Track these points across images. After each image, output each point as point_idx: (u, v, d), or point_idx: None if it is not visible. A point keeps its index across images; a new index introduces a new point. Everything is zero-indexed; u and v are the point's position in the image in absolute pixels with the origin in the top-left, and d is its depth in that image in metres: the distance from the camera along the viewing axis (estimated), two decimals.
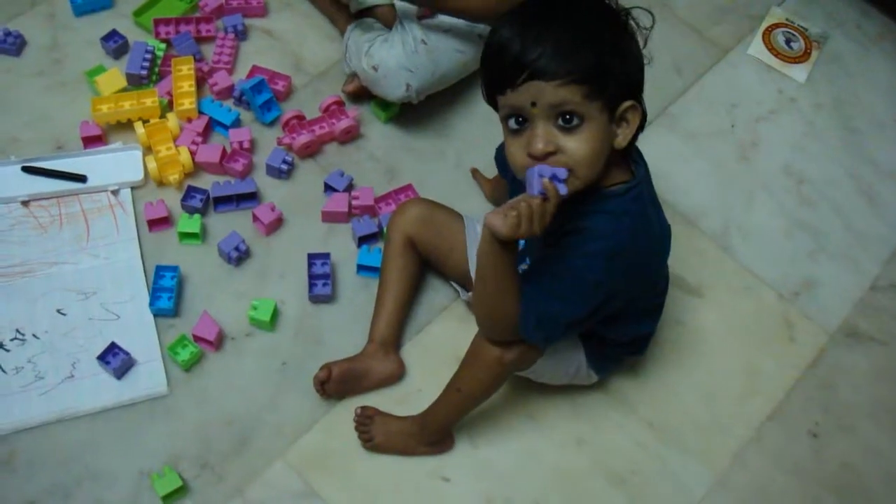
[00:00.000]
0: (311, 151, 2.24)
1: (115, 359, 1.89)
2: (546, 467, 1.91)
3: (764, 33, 2.64)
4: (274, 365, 1.96)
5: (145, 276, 2.03)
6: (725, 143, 2.42)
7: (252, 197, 2.15)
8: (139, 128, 2.17)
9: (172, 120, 2.20)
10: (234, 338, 1.99)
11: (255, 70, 2.34)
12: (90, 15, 2.43)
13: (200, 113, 2.25)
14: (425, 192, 2.18)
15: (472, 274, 1.88)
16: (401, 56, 2.14)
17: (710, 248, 2.23)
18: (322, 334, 2.01)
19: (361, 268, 2.08)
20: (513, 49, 1.41)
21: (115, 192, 2.13)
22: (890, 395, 2.08)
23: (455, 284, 2.03)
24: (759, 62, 2.59)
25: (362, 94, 2.32)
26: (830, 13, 2.74)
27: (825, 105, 2.53)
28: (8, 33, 2.33)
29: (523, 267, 1.75)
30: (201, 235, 2.08)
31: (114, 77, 2.26)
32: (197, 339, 1.95)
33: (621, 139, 1.48)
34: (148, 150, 2.18)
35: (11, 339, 1.93)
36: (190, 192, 2.12)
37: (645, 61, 1.51)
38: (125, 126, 2.22)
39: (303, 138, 2.21)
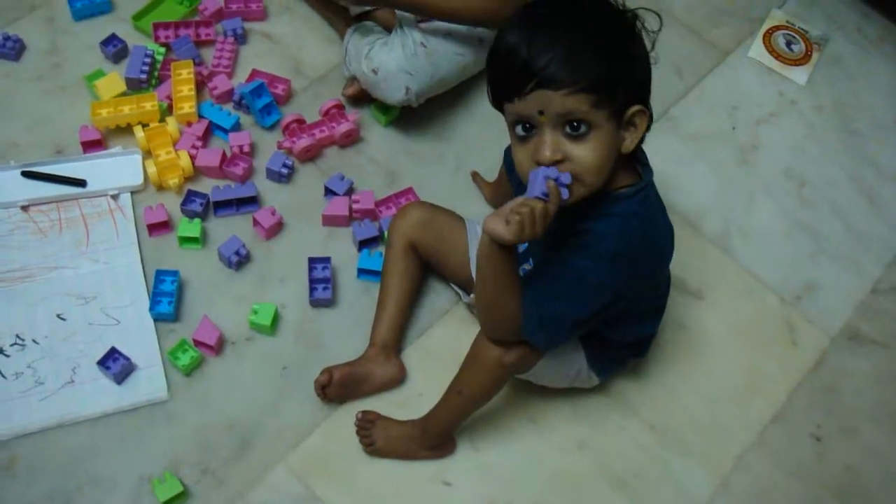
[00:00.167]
0: (311, 155, 2.24)
1: (116, 364, 1.88)
2: (547, 471, 1.90)
3: (764, 35, 2.64)
4: (275, 369, 1.96)
5: (145, 280, 2.02)
6: (726, 145, 2.42)
7: (252, 201, 2.14)
8: (139, 132, 2.17)
9: (172, 124, 2.19)
10: (235, 342, 1.98)
11: (254, 74, 2.34)
12: (89, 19, 2.43)
13: (200, 117, 2.24)
14: (426, 195, 2.17)
15: (474, 276, 1.88)
16: (400, 59, 2.13)
17: (711, 250, 2.22)
18: (323, 338, 2.00)
19: (362, 271, 2.08)
20: (521, 55, 1.39)
21: (114, 197, 2.13)
22: (892, 398, 2.08)
23: (456, 287, 2.03)
24: (760, 64, 2.59)
25: (362, 98, 2.31)
26: (831, 15, 2.74)
27: (826, 107, 2.53)
28: (7, 38, 2.32)
29: (526, 268, 1.74)
30: (201, 240, 2.08)
31: (113, 81, 2.25)
32: (197, 343, 1.94)
33: (629, 143, 1.47)
34: (148, 154, 2.18)
35: (11, 345, 1.93)
36: (190, 197, 2.12)
37: (651, 63, 1.50)
38: (125, 130, 2.21)
39: (303, 142, 2.21)
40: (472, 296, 1.94)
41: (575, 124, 1.40)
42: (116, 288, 2.01)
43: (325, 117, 2.28)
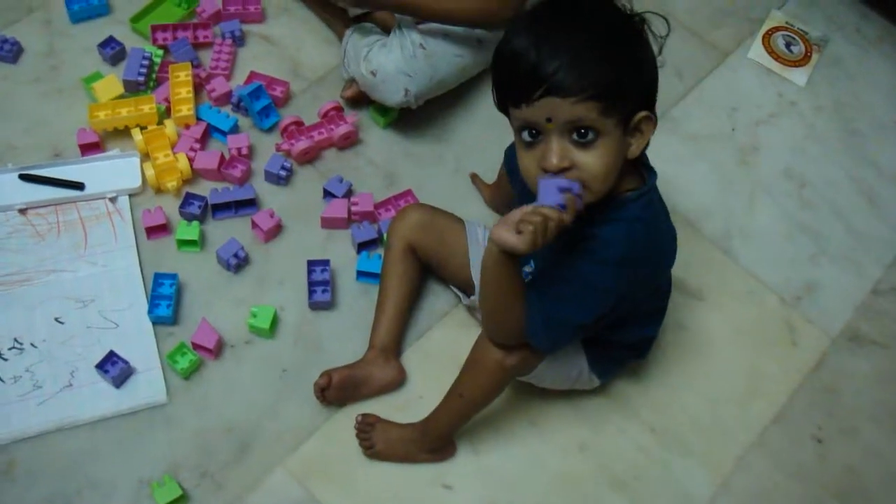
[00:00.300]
0: (309, 157, 2.23)
1: (114, 367, 1.87)
2: (548, 473, 1.90)
3: (764, 37, 2.64)
4: (274, 372, 1.95)
5: (144, 283, 2.02)
6: (726, 146, 2.41)
7: (251, 203, 2.14)
8: (137, 134, 2.16)
9: (170, 126, 2.19)
10: (234, 345, 1.98)
11: (252, 76, 2.33)
12: (87, 22, 2.42)
13: (198, 119, 2.24)
14: (425, 197, 2.17)
15: (474, 279, 1.88)
16: (399, 61, 2.13)
17: (711, 251, 2.22)
18: (322, 341, 2.00)
19: (361, 274, 2.07)
20: (529, 61, 1.38)
21: (112, 200, 2.12)
22: (892, 399, 2.07)
23: (456, 289, 2.02)
24: (760, 66, 2.58)
25: (361, 100, 2.31)
26: (830, 16, 2.73)
27: (826, 108, 2.52)
28: (4, 40, 2.32)
29: (527, 270, 1.73)
30: (200, 242, 2.07)
31: (111, 84, 2.25)
32: (196, 346, 1.94)
33: (634, 149, 1.47)
34: (146, 156, 2.17)
35: (9, 349, 1.92)
36: (188, 199, 2.11)
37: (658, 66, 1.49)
38: (122, 133, 2.21)
39: (301, 144, 2.20)
40: (471, 297, 1.94)
41: (583, 131, 1.39)
42: (115, 291, 2.00)
43: (323, 119, 2.27)
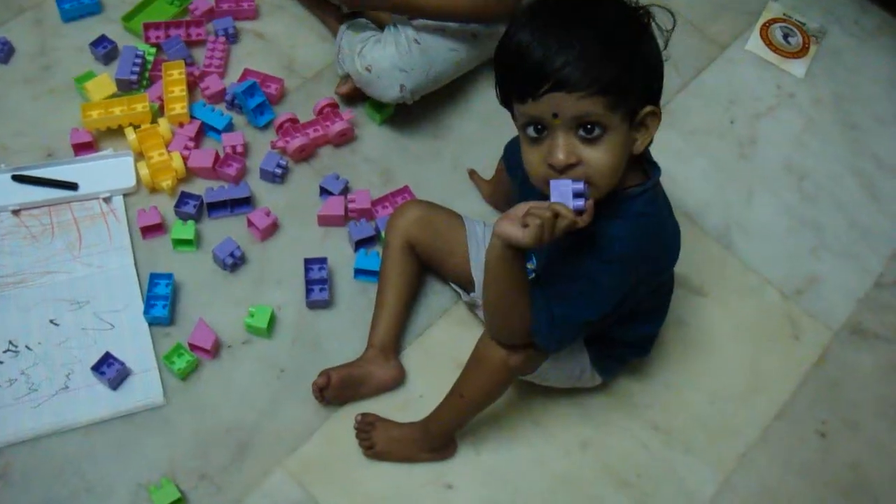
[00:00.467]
0: (305, 155, 2.21)
1: (110, 369, 1.86)
2: (550, 471, 1.88)
3: (762, 29, 2.62)
4: (272, 372, 1.94)
5: (139, 284, 2.00)
6: (725, 139, 2.40)
7: (246, 202, 2.12)
8: (130, 134, 2.15)
9: (164, 125, 2.17)
10: (231, 345, 1.96)
11: (247, 73, 2.31)
12: (78, 20, 2.40)
13: (192, 118, 2.22)
14: (422, 193, 2.15)
15: (474, 275, 1.87)
16: (394, 56, 2.11)
17: (712, 246, 2.20)
18: (320, 340, 1.98)
19: (359, 272, 2.05)
20: (534, 56, 1.36)
21: (107, 200, 2.10)
22: None
23: (455, 286, 2.01)
24: (758, 58, 2.57)
25: (356, 96, 2.29)
26: (828, 8, 2.72)
27: (824, 100, 2.51)
28: None
29: (529, 266, 1.72)
30: (195, 242, 2.05)
31: (103, 83, 2.23)
32: (193, 347, 1.92)
33: (640, 144, 1.45)
34: (140, 156, 2.15)
35: (4, 351, 1.90)
36: (183, 198, 2.09)
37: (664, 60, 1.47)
38: (116, 132, 2.19)
39: (297, 141, 2.18)
40: (471, 294, 1.93)
41: (589, 127, 1.37)
42: (110, 292, 1.99)
43: (318, 116, 2.25)
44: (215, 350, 1.93)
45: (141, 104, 2.18)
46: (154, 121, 2.19)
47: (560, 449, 1.91)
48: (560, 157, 1.38)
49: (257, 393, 1.91)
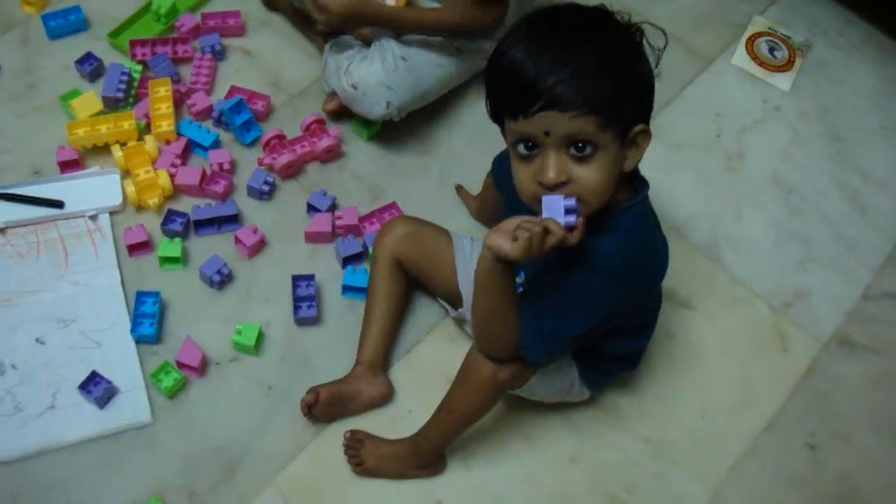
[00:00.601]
0: (292, 171, 2.21)
1: (97, 388, 1.85)
2: (540, 486, 1.88)
3: (747, 42, 2.63)
4: (260, 390, 1.93)
5: (126, 302, 1.99)
6: (712, 153, 2.40)
7: (233, 219, 2.11)
8: (117, 151, 2.14)
9: (150, 142, 2.17)
10: (219, 363, 1.95)
11: (233, 90, 2.31)
12: (64, 38, 2.40)
13: (179, 135, 2.22)
14: (410, 209, 2.15)
15: (462, 291, 1.86)
16: (380, 73, 2.12)
17: (699, 259, 2.20)
18: (308, 357, 1.97)
19: (347, 288, 2.05)
20: (527, 74, 1.36)
21: (93, 218, 2.10)
22: (885, 404, 2.06)
23: (443, 302, 2.00)
24: (743, 71, 2.58)
25: (343, 113, 2.29)
26: (813, 21, 2.73)
27: (810, 113, 2.51)
28: None
29: (517, 281, 1.71)
30: (182, 260, 2.05)
31: (89, 100, 2.23)
32: (180, 365, 1.91)
33: (630, 162, 1.45)
34: (126, 173, 2.15)
35: None
36: (170, 216, 2.09)
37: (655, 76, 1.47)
38: (102, 150, 2.19)
39: (284, 158, 2.18)
40: (459, 310, 1.92)
41: (580, 145, 1.37)
42: (97, 310, 1.98)
43: (305, 133, 2.25)
44: (203, 368, 1.92)
45: (127, 122, 2.17)
46: (140, 138, 2.19)
47: (550, 464, 1.90)
48: (551, 175, 1.38)
49: (245, 411, 1.90)
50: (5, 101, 2.28)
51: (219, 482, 1.81)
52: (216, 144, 2.22)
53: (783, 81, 2.56)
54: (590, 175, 1.39)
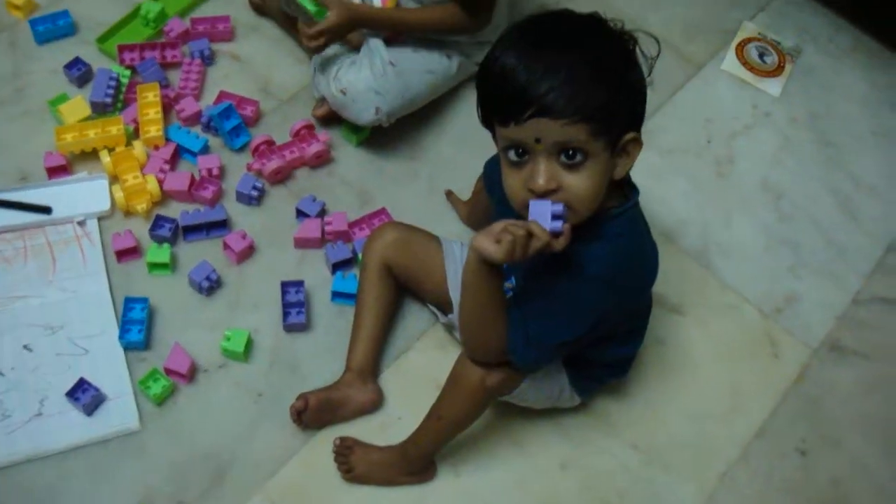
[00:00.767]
0: (281, 177, 2.20)
1: (85, 395, 1.84)
2: (531, 493, 1.87)
3: (737, 48, 2.63)
4: (249, 396, 1.92)
5: (114, 308, 1.98)
6: (702, 159, 2.40)
7: (222, 225, 2.10)
8: (105, 156, 2.13)
9: (139, 148, 2.16)
10: (208, 370, 1.94)
11: (222, 95, 2.30)
12: (52, 42, 2.39)
13: (167, 140, 2.21)
14: (399, 215, 2.14)
15: (452, 296, 1.86)
16: (369, 79, 2.11)
17: (689, 265, 2.20)
18: (298, 364, 1.97)
19: (336, 295, 2.04)
20: (518, 80, 1.35)
21: (81, 223, 2.08)
22: (875, 409, 2.06)
23: (433, 308, 2.00)
24: (734, 77, 2.58)
25: (332, 118, 2.28)
26: (803, 27, 2.73)
27: (800, 119, 2.52)
28: None
29: (507, 286, 1.71)
30: (171, 265, 2.04)
31: (78, 105, 2.22)
32: (169, 372, 1.90)
33: (620, 170, 1.45)
34: (114, 179, 2.14)
35: None
36: (158, 222, 2.08)
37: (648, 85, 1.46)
38: (90, 155, 2.17)
39: (273, 164, 2.17)
40: (449, 316, 1.92)
41: (571, 153, 1.37)
42: (84, 317, 1.97)
43: (295, 138, 2.24)
44: (191, 374, 1.91)
45: (115, 127, 2.16)
46: (129, 143, 2.18)
47: (540, 470, 1.90)
48: (541, 182, 1.38)
49: (234, 417, 1.89)
50: None
51: (208, 489, 1.80)
52: (205, 150, 2.21)
53: (773, 87, 2.57)
54: (580, 183, 1.38)
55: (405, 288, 2.00)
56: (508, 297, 1.56)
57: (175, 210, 2.12)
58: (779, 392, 2.05)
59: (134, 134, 2.21)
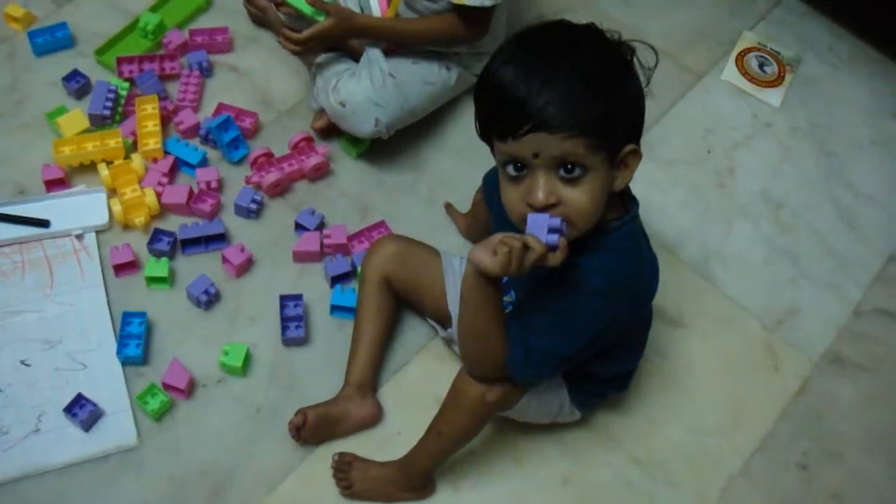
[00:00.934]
0: (280, 190, 2.20)
1: (83, 410, 1.83)
2: None
3: (737, 58, 2.63)
4: (247, 412, 1.91)
5: (112, 322, 1.97)
6: (702, 169, 2.40)
7: (221, 238, 2.10)
8: (103, 169, 2.13)
9: (137, 161, 2.15)
10: (206, 385, 1.93)
11: (221, 107, 2.30)
12: (51, 55, 2.38)
13: (166, 153, 2.20)
14: (399, 228, 2.14)
15: (451, 310, 1.85)
16: (368, 90, 2.11)
17: (690, 277, 2.19)
18: (296, 378, 1.96)
19: (335, 308, 2.03)
20: (517, 94, 1.34)
21: (79, 237, 2.08)
22: (877, 422, 2.05)
23: (432, 322, 1.99)
24: (734, 87, 2.57)
25: (332, 131, 2.28)
26: (802, 36, 2.73)
27: (801, 129, 2.51)
28: None
29: (507, 300, 1.70)
30: (169, 279, 2.03)
31: (76, 118, 2.21)
32: (167, 387, 1.89)
33: (619, 182, 1.44)
34: (112, 192, 2.13)
35: None
36: (157, 235, 2.07)
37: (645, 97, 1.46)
38: (89, 168, 2.17)
39: (272, 176, 2.16)
40: (448, 330, 1.91)
41: (570, 167, 1.36)
42: (82, 331, 1.96)
43: (294, 151, 2.24)
44: (190, 390, 1.91)
45: (114, 139, 2.16)
46: (127, 156, 2.17)
47: (541, 485, 1.89)
48: (539, 196, 1.37)
49: (233, 433, 1.88)
50: None
51: None
52: (203, 162, 2.20)
53: (773, 97, 2.56)
54: (579, 197, 1.38)
55: (404, 301, 1.99)
56: (508, 312, 1.55)
57: (173, 223, 2.12)
58: (780, 405, 2.04)
59: (132, 147, 2.21)
